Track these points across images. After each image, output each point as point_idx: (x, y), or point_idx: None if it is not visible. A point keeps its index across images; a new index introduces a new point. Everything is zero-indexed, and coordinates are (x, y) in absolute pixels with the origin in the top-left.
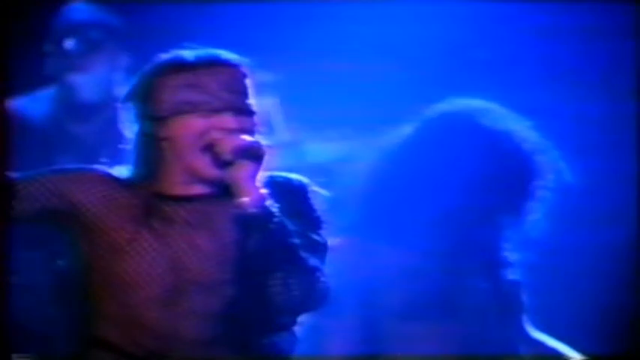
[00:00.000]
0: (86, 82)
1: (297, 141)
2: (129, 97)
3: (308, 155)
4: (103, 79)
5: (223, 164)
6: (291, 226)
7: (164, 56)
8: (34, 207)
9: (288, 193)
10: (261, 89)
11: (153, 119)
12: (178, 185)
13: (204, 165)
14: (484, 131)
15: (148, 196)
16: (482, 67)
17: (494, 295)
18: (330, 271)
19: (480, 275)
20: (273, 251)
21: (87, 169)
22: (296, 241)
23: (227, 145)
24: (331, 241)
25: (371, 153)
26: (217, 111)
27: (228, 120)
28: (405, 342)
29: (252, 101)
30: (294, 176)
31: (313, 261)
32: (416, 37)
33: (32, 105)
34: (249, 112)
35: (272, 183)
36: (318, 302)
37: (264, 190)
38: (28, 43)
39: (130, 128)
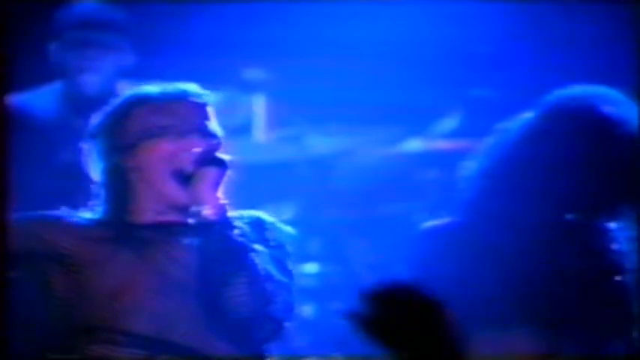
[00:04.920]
0: (93, 79)
1: (298, 134)
2: (95, 134)
3: (308, 148)
4: (109, 76)
5: (187, 179)
6: (252, 235)
7: (130, 91)
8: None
9: (256, 226)
10: (249, 87)
11: (121, 149)
12: (151, 213)
13: (175, 190)
14: (602, 116)
15: (122, 226)
16: (480, 65)
17: (603, 300)
18: (436, 250)
19: (589, 277)
20: (234, 258)
21: (59, 216)
22: (258, 248)
23: (189, 157)
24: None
25: (371, 147)
26: (184, 134)
27: (196, 142)
28: (502, 345)
29: (216, 126)
30: (260, 213)
31: (276, 271)
32: (416, 33)
33: (36, 101)
34: (214, 135)
35: (240, 219)
36: (282, 311)
37: (225, 201)
38: (30, 40)
39: (96, 165)
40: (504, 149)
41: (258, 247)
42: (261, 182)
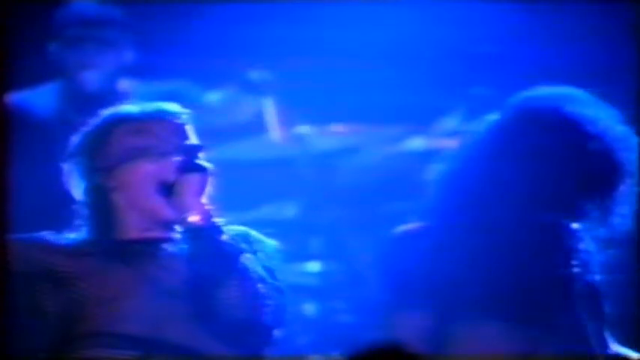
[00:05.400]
0: (92, 76)
1: (301, 133)
2: (76, 154)
3: (311, 147)
4: (109, 73)
5: (170, 188)
6: (239, 239)
7: (109, 111)
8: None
9: (243, 239)
10: (252, 86)
11: (102, 170)
12: (136, 231)
13: (159, 205)
14: (568, 116)
15: (108, 243)
16: (481, 64)
17: (567, 297)
18: (405, 258)
19: (556, 272)
20: (224, 261)
21: (45, 237)
22: (245, 249)
23: (171, 167)
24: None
25: (374, 146)
26: (165, 154)
27: (179, 164)
28: (475, 340)
29: (199, 149)
30: (246, 228)
31: (267, 275)
32: (419, 33)
33: (36, 99)
34: (199, 161)
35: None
36: (274, 313)
37: (210, 206)
38: (30, 39)
39: (78, 185)
40: (471, 152)
41: (247, 254)
42: (264, 181)
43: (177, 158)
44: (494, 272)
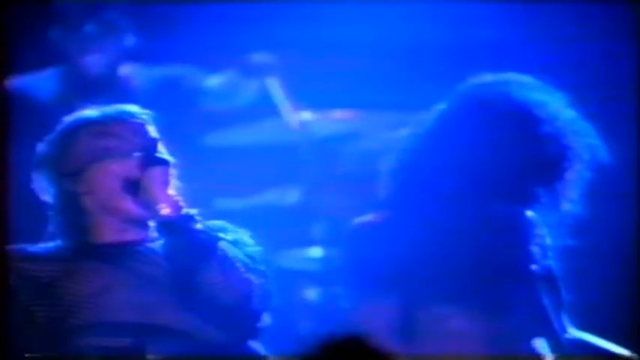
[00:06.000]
0: (94, 60)
1: (304, 119)
2: (42, 162)
3: (314, 133)
4: (111, 57)
5: (136, 185)
6: (216, 230)
7: (71, 117)
8: None
9: (221, 231)
10: (253, 70)
11: (69, 176)
12: (111, 232)
13: (130, 204)
14: (516, 101)
15: (85, 247)
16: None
17: (526, 283)
18: (366, 250)
19: (503, 260)
20: (201, 247)
21: (21, 247)
22: (221, 237)
23: (133, 164)
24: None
25: (376, 131)
26: (128, 153)
27: (140, 159)
28: (440, 328)
29: (159, 145)
30: (223, 222)
31: (249, 261)
32: (422, 20)
33: (38, 84)
34: (160, 155)
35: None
36: (261, 297)
37: (178, 197)
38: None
39: (48, 193)
40: (419, 142)
41: (224, 242)
42: (265, 166)
43: (138, 154)
44: (452, 261)
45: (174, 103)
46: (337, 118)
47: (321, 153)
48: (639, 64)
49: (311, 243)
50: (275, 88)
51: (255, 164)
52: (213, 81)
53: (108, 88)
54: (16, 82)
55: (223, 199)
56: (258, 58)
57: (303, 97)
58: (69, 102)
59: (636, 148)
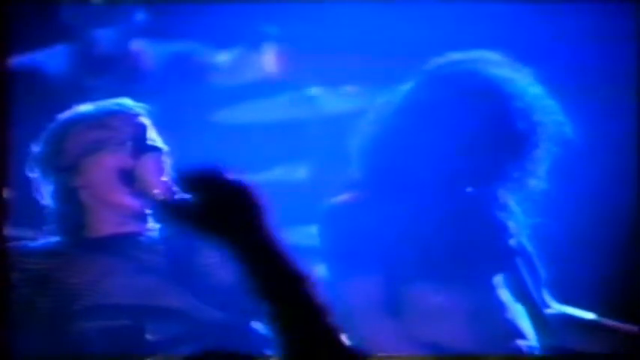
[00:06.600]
0: (104, 36)
1: (313, 95)
2: (39, 160)
3: (321, 108)
4: (121, 34)
5: (131, 175)
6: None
7: (65, 114)
8: None
9: None
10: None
11: (66, 171)
12: (109, 225)
13: (127, 197)
14: (485, 78)
15: (83, 240)
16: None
17: (502, 259)
18: (344, 228)
19: (480, 238)
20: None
21: (19, 244)
22: None
23: (126, 153)
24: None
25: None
26: (122, 144)
27: (134, 149)
28: (423, 305)
29: (153, 135)
30: None
31: None
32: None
33: (47, 61)
34: (149, 139)
35: None
36: None
37: (172, 183)
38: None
39: (46, 191)
40: (387, 123)
41: None
42: (274, 142)
43: (130, 144)
44: (429, 239)
45: (183, 79)
46: (347, 94)
47: (331, 129)
48: (639, 64)
49: (317, 221)
50: (284, 63)
51: (264, 140)
52: (222, 57)
53: (117, 64)
54: (25, 59)
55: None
56: (268, 33)
57: (312, 73)
58: (78, 79)
59: (636, 148)
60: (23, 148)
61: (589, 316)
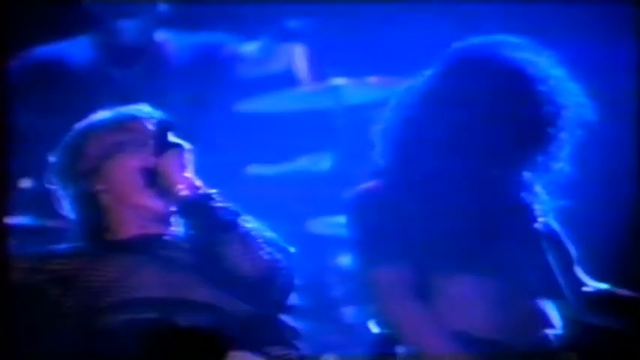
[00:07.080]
0: (128, 27)
1: (337, 85)
2: (58, 168)
3: (345, 98)
4: (145, 23)
5: (153, 173)
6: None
7: (83, 121)
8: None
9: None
10: (287, 36)
11: (86, 176)
12: (133, 228)
13: (150, 198)
14: (508, 60)
15: (106, 243)
16: None
17: (529, 243)
18: (371, 215)
19: (509, 221)
20: (220, 221)
21: (42, 249)
22: (240, 213)
23: (147, 152)
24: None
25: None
26: (142, 145)
27: (155, 147)
28: (452, 293)
29: (171, 133)
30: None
31: (271, 235)
32: None
33: (71, 50)
34: (173, 139)
35: None
36: (283, 273)
37: (196, 180)
38: None
39: (67, 199)
40: (409, 110)
41: (245, 218)
42: (298, 132)
43: (151, 143)
44: (455, 224)
45: (208, 70)
46: (371, 85)
47: (355, 119)
48: (639, 64)
49: (344, 210)
50: (309, 54)
51: (288, 131)
52: (247, 48)
53: (142, 55)
54: (50, 49)
55: (256, 165)
56: (293, 24)
57: (337, 63)
58: (104, 70)
59: (636, 148)
60: (52, 137)
61: (624, 292)
